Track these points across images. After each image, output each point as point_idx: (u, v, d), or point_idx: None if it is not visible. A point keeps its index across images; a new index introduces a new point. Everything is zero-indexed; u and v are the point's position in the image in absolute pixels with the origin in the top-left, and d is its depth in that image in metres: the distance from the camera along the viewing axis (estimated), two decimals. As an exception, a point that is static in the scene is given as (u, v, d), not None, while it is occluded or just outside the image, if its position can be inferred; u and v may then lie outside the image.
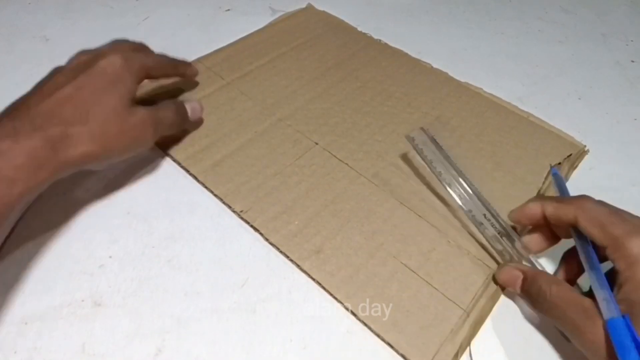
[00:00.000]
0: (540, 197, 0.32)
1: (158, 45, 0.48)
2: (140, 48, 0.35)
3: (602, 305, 0.24)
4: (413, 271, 0.31)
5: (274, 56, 0.47)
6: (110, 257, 0.31)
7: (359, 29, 0.52)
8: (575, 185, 0.37)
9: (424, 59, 0.49)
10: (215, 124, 0.39)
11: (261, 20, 0.52)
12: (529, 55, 0.51)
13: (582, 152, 0.41)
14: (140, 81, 0.32)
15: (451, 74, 0.47)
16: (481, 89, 0.46)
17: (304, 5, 0.55)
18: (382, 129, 0.41)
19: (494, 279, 0.31)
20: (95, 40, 0.47)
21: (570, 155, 0.40)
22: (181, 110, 0.36)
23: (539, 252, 0.31)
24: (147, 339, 0.27)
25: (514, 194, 0.36)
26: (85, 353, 0.26)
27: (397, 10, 0.56)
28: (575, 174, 0.39)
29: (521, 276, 0.29)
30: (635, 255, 0.24)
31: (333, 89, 0.44)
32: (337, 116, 0.41)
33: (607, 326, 0.23)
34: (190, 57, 0.47)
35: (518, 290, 0.29)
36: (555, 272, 0.31)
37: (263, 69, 0.45)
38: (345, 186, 0.36)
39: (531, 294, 0.28)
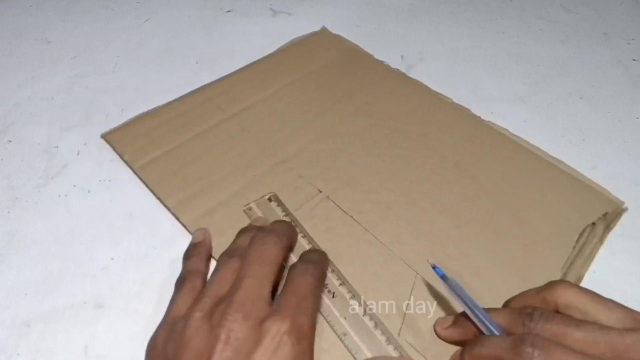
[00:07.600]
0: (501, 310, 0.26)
1: (159, 47, 0.48)
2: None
3: None
4: None
5: (280, 86, 0.43)
6: (112, 259, 0.31)
7: (359, 29, 0.52)
8: (578, 184, 0.37)
9: (424, 59, 0.49)
10: (211, 165, 0.36)
11: (262, 22, 0.52)
12: (530, 55, 0.51)
13: (619, 211, 0.35)
14: None
15: (452, 75, 0.47)
16: (507, 130, 0.41)
17: (304, 7, 0.55)
18: (394, 176, 0.37)
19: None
20: (97, 42, 0.47)
21: (607, 213, 0.35)
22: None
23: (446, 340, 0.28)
24: (149, 341, 0.27)
25: (536, 256, 0.32)
26: (87, 355, 0.27)
27: (398, 10, 0.56)
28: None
29: None
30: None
31: (342, 126, 0.40)
32: (344, 158, 0.38)
33: None
34: (190, 58, 0.47)
35: None
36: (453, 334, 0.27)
37: (267, 102, 0.42)
38: (349, 244, 0.32)
39: None
